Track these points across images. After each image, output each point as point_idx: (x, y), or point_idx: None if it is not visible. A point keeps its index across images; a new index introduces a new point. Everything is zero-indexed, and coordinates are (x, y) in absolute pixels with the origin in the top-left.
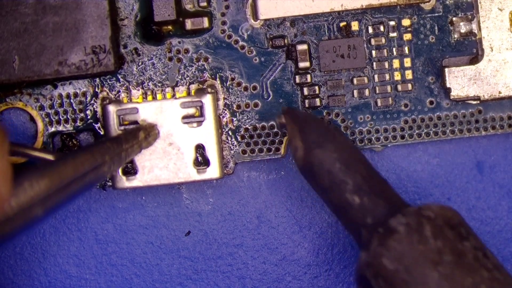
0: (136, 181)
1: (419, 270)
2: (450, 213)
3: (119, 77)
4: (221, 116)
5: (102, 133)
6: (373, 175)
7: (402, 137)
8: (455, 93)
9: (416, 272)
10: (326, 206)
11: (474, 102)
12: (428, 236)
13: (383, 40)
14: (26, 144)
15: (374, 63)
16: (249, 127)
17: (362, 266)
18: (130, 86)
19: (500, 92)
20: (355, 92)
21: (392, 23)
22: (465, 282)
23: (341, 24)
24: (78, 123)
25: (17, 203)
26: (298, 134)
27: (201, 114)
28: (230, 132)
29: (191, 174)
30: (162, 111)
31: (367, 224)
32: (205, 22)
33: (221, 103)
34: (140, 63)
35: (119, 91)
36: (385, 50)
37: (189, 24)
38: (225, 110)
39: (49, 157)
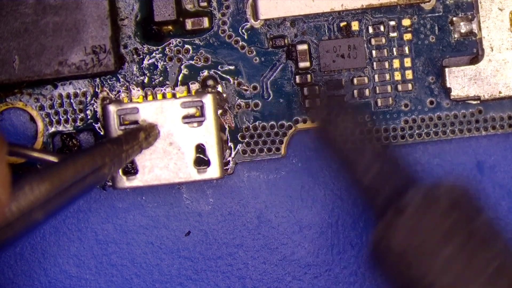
0: (137, 181)
1: (429, 247)
2: (461, 192)
3: (119, 77)
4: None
5: (102, 133)
6: (388, 150)
7: (402, 137)
8: (455, 93)
9: (426, 249)
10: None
11: (474, 102)
12: (438, 214)
13: (383, 40)
14: (30, 146)
15: (374, 63)
16: (250, 127)
17: (372, 247)
18: (130, 86)
19: (500, 92)
20: (356, 92)
21: (392, 23)
22: (476, 259)
23: (341, 24)
24: (78, 123)
25: (18, 207)
26: (321, 111)
27: (202, 114)
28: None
29: (192, 174)
30: (163, 111)
31: (378, 202)
32: (205, 22)
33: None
34: (140, 63)
35: (119, 91)
36: (385, 50)
37: (189, 24)
38: (226, 110)
39: (53, 159)
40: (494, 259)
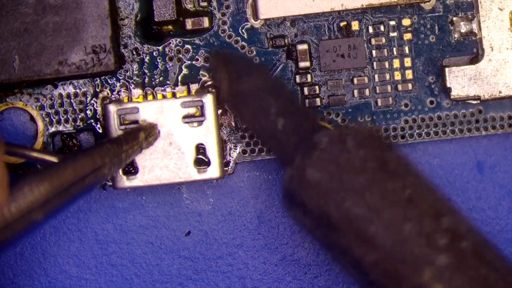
0: (137, 181)
1: (343, 176)
2: (373, 130)
3: (119, 77)
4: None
5: (102, 132)
6: (296, 100)
7: (403, 137)
8: (456, 92)
9: (340, 179)
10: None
11: (474, 102)
12: (351, 146)
13: (384, 40)
14: (30, 146)
15: (375, 63)
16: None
17: (287, 181)
18: (131, 86)
19: (500, 92)
20: (356, 92)
21: (392, 22)
22: (389, 185)
23: (342, 24)
24: (79, 123)
25: (17, 208)
26: (223, 66)
27: (202, 114)
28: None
29: (192, 173)
30: (163, 111)
31: (291, 144)
32: (205, 22)
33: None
34: (140, 63)
35: (119, 91)
36: (385, 50)
37: (189, 24)
38: (226, 110)
39: (52, 159)
40: (406, 187)
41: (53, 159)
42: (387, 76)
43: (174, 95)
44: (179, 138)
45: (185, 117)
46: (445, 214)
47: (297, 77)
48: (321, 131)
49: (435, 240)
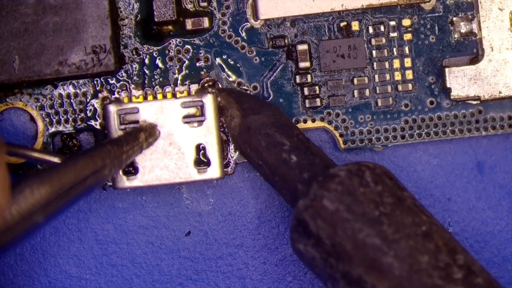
0: (137, 181)
1: (360, 208)
2: (386, 169)
3: (119, 77)
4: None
5: (102, 132)
6: (308, 140)
7: (403, 137)
8: (456, 93)
9: (357, 210)
10: (257, 171)
11: (474, 102)
12: (369, 180)
13: (384, 40)
14: (31, 146)
15: (375, 63)
16: None
17: (300, 211)
18: (131, 86)
19: (500, 92)
20: (356, 92)
21: (392, 23)
22: (406, 221)
23: (342, 24)
24: (79, 123)
25: (18, 210)
26: (235, 104)
27: (202, 114)
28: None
29: (192, 174)
30: (163, 111)
31: (304, 179)
32: (205, 22)
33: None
34: (140, 63)
35: (119, 91)
36: (385, 50)
37: (189, 24)
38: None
39: (55, 159)
40: (422, 223)
41: (56, 159)
42: (387, 77)
43: (174, 95)
44: (179, 138)
45: (185, 117)
46: (459, 252)
47: (297, 77)
48: (334, 167)
49: (451, 274)
